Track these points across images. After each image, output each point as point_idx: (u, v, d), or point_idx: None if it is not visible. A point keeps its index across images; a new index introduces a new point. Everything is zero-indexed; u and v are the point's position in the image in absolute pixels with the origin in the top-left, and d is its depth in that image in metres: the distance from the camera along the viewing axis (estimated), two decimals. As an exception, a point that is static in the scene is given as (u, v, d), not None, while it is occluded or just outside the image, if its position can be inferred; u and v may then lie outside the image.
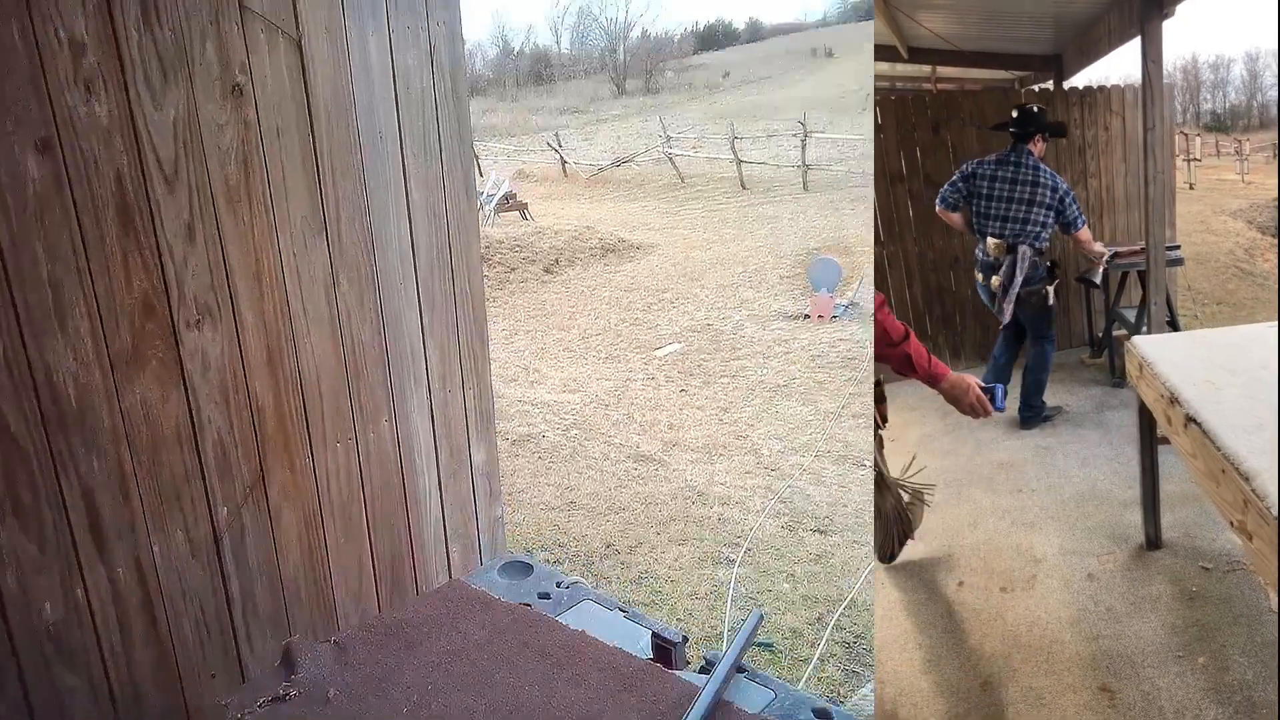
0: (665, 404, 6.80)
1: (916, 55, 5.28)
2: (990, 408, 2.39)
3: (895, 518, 2.85)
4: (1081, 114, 5.24)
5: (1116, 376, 4.76)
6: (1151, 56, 3.58)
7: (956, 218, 4.40)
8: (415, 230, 2.44)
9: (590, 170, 20.73)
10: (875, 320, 2.27)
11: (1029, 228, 4.11)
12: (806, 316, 8.73)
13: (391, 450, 2.49)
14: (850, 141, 19.95)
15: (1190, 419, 2.00)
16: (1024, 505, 3.48)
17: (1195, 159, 8.44)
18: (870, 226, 11.35)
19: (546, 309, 10.13)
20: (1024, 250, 4.14)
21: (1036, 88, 5.38)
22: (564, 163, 21.76)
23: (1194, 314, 5.39)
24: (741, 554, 4.37)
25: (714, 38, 54.39)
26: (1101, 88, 5.28)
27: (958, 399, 2.38)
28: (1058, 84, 5.27)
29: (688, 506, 4.95)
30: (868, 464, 5.48)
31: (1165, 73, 4.09)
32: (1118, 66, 5.12)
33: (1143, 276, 4.51)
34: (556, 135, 23.47)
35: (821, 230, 13.23)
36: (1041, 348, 4.44)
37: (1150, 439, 2.82)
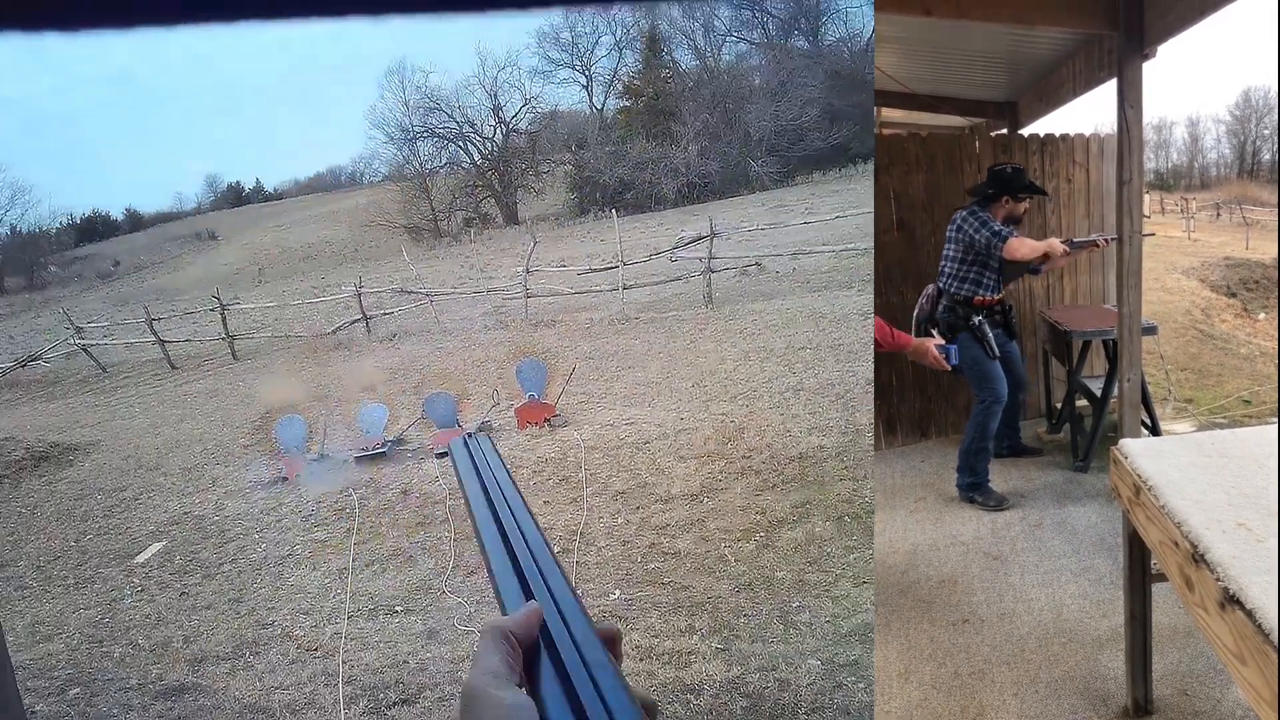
0: (169, 616, 6.13)
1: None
2: (946, 364, 3.05)
3: None
4: (1042, 164, 4.93)
5: (1078, 458, 4.37)
6: (1130, 101, 3.23)
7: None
8: None
9: (-13, 375, 19.17)
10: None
11: (939, 264, 4.29)
12: (284, 479, 8.64)
13: None
14: (262, 310, 21.11)
15: (1232, 598, 1.42)
16: (970, 643, 2.88)
17: (1145, 215, 8.61)
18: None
19: (-24, 549, 8.27)
20: (929, 287, 4.29)
21: (993, 134, 5.12)
22: (-50, 373, 19.44)
23: (1163, 385, 5.21)
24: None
25: (94, 229, 55.85)
26: (1064, 136, 4.99)
27: (920, 359, 3.09)
28: (1013, 131, 5.03)
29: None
30: (414, 611, 5.53)
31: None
32: (1078, 115, 4.84)
33: (1107, 346, 4.28)
34: (-70, 343, 21.22)
35: (267, 393, 13.25)
36: (974, 407, 4.19)
37: (1142, 577, 2.28)
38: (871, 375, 8.22)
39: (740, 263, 16.60)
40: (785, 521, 5.82)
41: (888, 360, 4.74)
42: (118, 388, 16.40)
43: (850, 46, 39.09)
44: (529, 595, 0.66)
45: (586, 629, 0.62)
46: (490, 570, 0.73)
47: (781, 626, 4.55)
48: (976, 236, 4.05)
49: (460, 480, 0.94)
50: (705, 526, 5.97)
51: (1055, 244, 4.10)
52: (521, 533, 0.76)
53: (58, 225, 53.82)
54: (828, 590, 4.80)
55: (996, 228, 4.03)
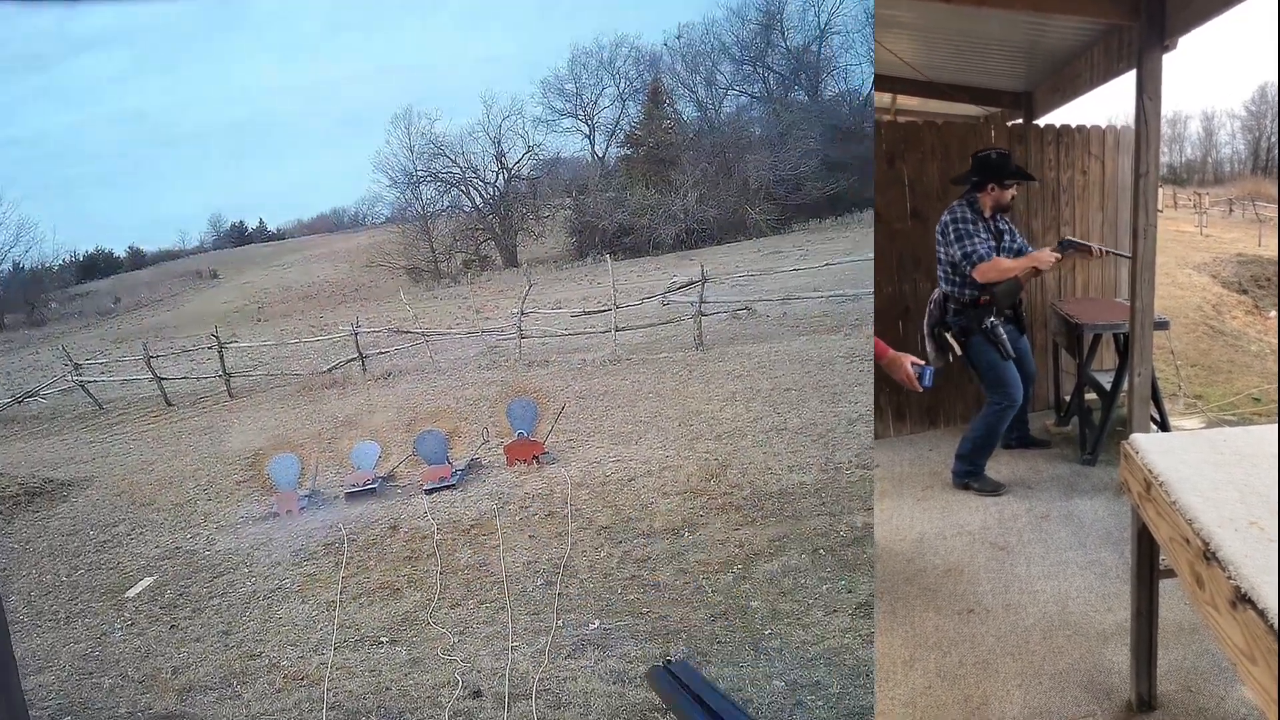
0: (158, 649, 6.24)
1: (877, 82, 5.05)
2: (918, 385, 2.96)
3: None
4: (1056, 155, 4.87)
5: (1086, 452, 4.31)
6: (1149, 92, 3.22)
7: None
8: None
9: (-19, 411, 19.12)
10: None
11: (937, 269, 4.18)
12: (276, 515, 8.80)
13: None
14: (260, 348, 20.98)
15: (1244, 597, 1.39)
16: (975, 633, 2.88)
17: (1157, 210, 8.65)
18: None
19: (-36, 587, 8.62)
20: (935, 292, 4.16)
21: (1008, 124, 5.03)
22: (-56, 408, 19.25)
23: (1173, 380, 5.15)
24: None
25: (95, 267, 54.46)
26: (1080, 127, 4.90)
27: (893, 373, 3.02)
28: (1028, 121, 4.95)
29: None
30: (400, 641, 5.64)
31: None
32: (1092, 107, 4.72)
33: (1118, 340, 4.23)
34: (-74, 380, 21.06)
35: (261, 430, 13.45)
36: (986, 406, 4.11)
37: (1149, 572, 2.27)
38: (862, 412, 8.43)
39: (731, 307, 16.85)
40: (762, 554, 5.97)
41: (897, 349, 4.70)
42: (113, 424, 16.49)
43: (850, 101, 39.89)
44: None
45: None
46: None
47: (752, 652, 4.69)
48: (950, 250, 3.99)
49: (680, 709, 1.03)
50: (685, 559, 6.12)
51: (1041, 255, 3.98)
52: None
53: (60, 262, 54.34)
54: (799, 619, 4.94)
55: (969, 248, 3.91)
